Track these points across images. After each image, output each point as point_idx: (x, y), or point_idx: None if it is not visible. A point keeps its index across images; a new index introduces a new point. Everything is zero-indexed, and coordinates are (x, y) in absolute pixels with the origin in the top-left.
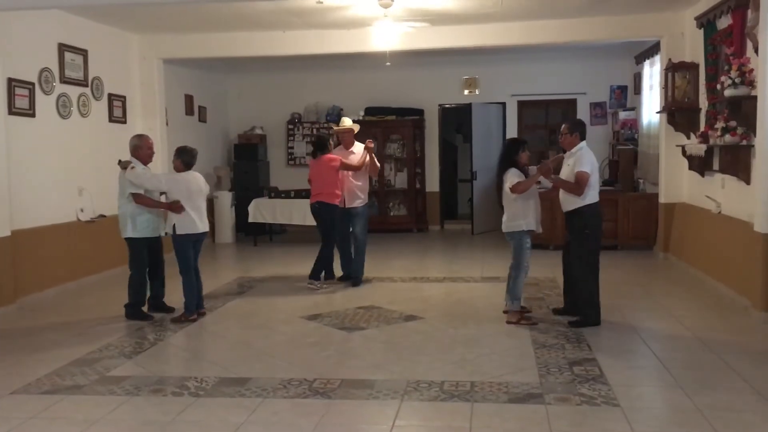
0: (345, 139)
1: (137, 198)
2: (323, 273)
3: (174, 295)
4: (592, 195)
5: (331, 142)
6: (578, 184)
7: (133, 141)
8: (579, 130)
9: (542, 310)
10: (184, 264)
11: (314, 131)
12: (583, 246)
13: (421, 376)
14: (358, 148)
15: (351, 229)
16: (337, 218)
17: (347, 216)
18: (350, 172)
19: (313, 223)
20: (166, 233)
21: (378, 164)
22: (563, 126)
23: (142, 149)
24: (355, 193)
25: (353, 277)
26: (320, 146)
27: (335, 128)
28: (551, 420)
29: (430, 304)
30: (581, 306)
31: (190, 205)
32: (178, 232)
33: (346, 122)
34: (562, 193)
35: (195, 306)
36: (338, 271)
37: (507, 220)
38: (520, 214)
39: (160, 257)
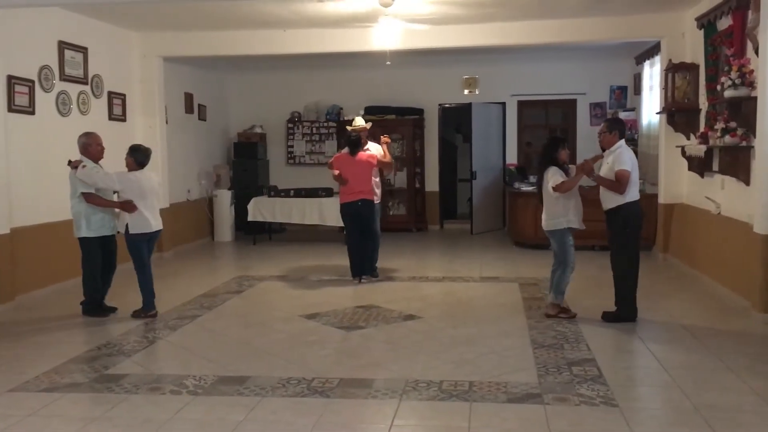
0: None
1: (88, 197)
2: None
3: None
4: (633, 192)
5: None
6: (620, 182)
7: (81, 139)
8: (618, 129)
9: (541, 310)
10: (139, 261)
11: (314, 130)
12: (623, 243)
13: (420, 376)
14: (371, 146)
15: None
16: (375, 215)
17: None
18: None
19: (317, 222)
20: (118, 231)
21: (391, 159)
22: (602, 125)
23: (91, 146)
24: (374, 190)
25: (372, 270)
26: (357, 144)
27: (349, 128)
28: (550, 420)
29: (429, 303)
30: (624, 302)
31: (142, 203)
32: (131, 231)
33: (359, 122)
34: (602, 192)
35: (153, 301)
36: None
37: (548, 218)
38: (561, 212)
39: (114, 257)
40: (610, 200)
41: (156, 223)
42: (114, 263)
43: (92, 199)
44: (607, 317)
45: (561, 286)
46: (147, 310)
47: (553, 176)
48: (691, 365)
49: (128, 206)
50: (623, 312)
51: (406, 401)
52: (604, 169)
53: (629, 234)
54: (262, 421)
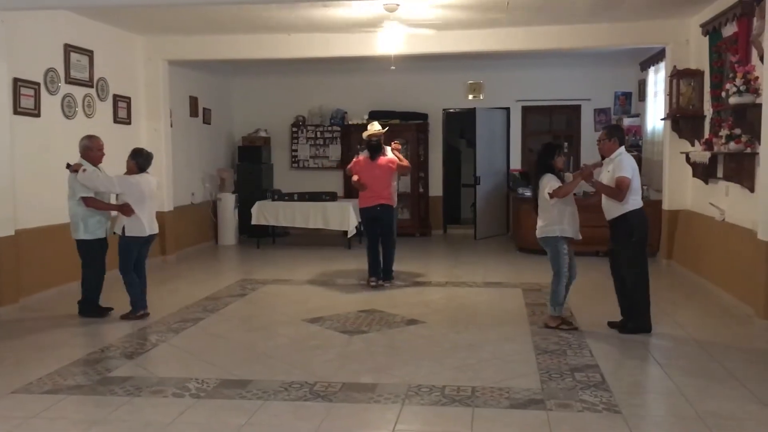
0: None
1: (88, 201)
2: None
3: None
4: (634, 200)
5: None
6: (619, 189)
7: (83, 142)
8: (618, 136)
9: (544, 316)
10: (126, 265)
11: (318, 134)
12: (632, 253)
13: (423, 381)
14: (387, 151)
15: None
16: (394, 220)
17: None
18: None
19: (321, 226)
20: (114, 233)
21: (408, 163)
22: (601, 132)
23: (92, 150)
24: (392, 195)
25: (387, 273)
26: (377, 148)
27: (366, 133)
28: (552, 426)
29: (432, 308)
30: (638, 313)
31: (140, 207)
32: (127, 234)
33: (376, 126)
34: (604, 201)
35: (143, 302)
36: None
37: (542, 225)
38: (556, 220)
39: (104, 259)
40: (613, 209)
41: (150, 228)
42: (104, 264)
43: (91, 202)
44: (624, 329)
45: (558, 298)
46: (135, 311)
47: (549, 182)
48: (694, 372)
49: (126, 209)
50: (640, 322)
51: (409, 406)
52: (605, 177)
53: (635, 243)
54: (264, 425)
